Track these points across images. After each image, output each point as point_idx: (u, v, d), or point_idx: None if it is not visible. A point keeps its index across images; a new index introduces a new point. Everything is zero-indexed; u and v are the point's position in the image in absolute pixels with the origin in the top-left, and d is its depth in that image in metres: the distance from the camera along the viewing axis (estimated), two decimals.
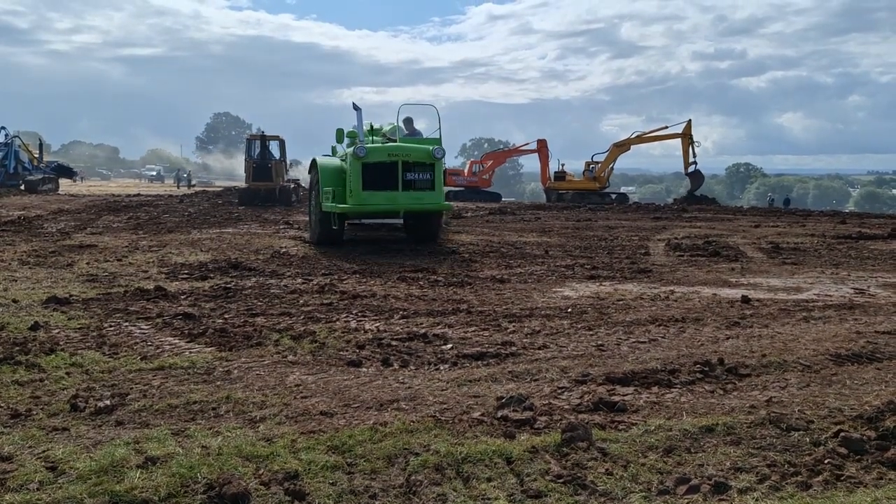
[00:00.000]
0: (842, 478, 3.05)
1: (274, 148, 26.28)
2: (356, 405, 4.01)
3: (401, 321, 6.18)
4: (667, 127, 37.37)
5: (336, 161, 12.53)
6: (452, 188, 39.85)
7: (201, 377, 4.57)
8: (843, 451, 3.29)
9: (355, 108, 12.00)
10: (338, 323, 6.08)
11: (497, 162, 47.76)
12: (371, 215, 12.24)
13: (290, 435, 3.51)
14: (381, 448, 3.33)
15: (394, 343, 5.39)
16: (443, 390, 4.28)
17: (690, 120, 35.96)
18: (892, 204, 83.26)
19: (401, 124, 13.25)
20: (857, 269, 9.84)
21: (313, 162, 13.00)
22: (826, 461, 3.18)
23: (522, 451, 3.28)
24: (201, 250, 11.22)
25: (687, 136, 35.86)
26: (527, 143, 45.31)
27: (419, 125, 13.86)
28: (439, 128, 13.01)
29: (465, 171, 43.46)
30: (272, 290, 7.60)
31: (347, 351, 5.20)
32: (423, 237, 12.77)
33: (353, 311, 6.54)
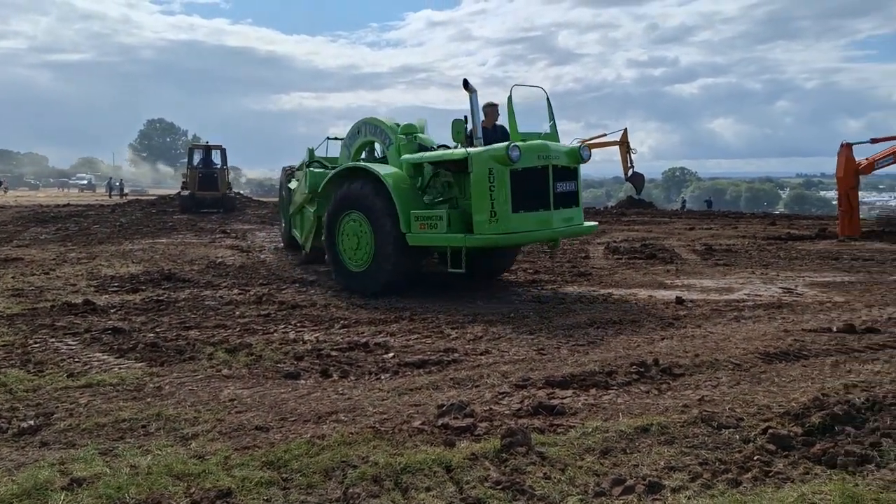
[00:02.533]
0: (770, 474, 3.13)
1: (215, 156, 26.28)
2: (293, 419, 3.94)
3: (341, 331, 6.12)
4: (605, 134, 38.20)
5: (398, 172, 8.46)
6: None
7: (131, 394, 4.42)
8: (771, 447, 3.39)
9: (468, 87, 8.01)
10: (275, 334, 5.98)
11: None
12: (515, 247, 9.15)
13: (223, 451, 3.42)
14: (318, 462, 3.28)
15: (333, 353, 5.33)
16: (383, 400, 4.25)
17: (626, 129, 36.93)
18: (820, 205, 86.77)
19: (501, 117, 9.10)
20: (786, 269, 10.20)
21: (351, 171, 8.73)
22: (755, 458, 3.27)
23: (462, 458, 3.27)
24: (133, 262, 10.89)
25: (624, 144, 36.75)
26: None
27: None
28: (553, 120, 8.75)
29: None
30: (207, 302, 7.42)
31: (285, 363, 5.11)
32: (493, 272, 9.44)
33: (292, 322, 6.43)
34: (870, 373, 4.69)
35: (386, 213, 8.01)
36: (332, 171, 9.02)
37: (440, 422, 3.74)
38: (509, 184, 7.48)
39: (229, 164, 28.19)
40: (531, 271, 9.88)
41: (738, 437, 3.53)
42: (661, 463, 3.23)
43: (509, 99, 8.26)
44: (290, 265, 10.61)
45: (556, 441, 3.47)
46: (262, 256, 11.85)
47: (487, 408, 4.01)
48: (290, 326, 6.27)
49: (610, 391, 4.37)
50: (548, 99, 8.58)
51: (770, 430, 3.53)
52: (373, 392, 4.41)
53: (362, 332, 6.02)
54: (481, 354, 5.27)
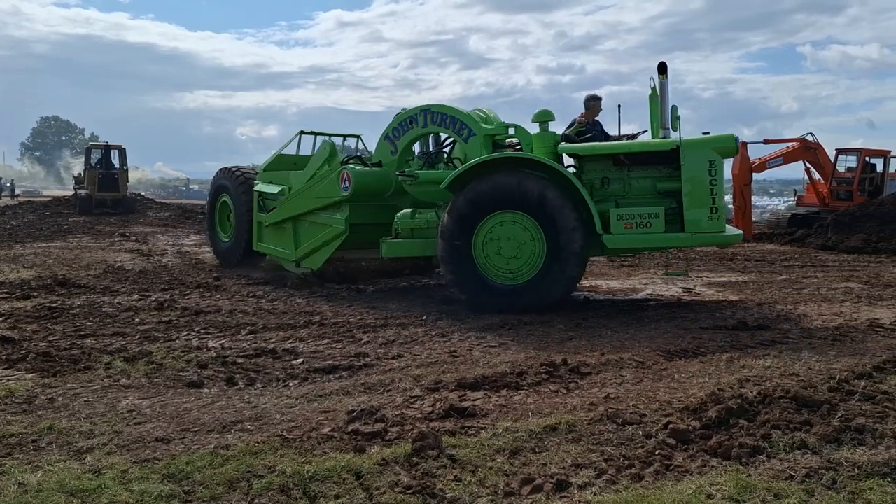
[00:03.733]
0: (671, 467, 3.25)
1: (114, 156, 25.27)
2: (196, 429, 3.78)
3: (248, 337, 5.94)
4: (514, 139, 39.01)
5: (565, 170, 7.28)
6: None
7: (20, 407, 4.14)
8: (671, 441, 3.51)
9: (664, 72, 7.25)
10: (178, 342, 5.75)
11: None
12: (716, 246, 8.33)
13: (120, 465, 3.25)
14: (222, 473, 3.16)
15: (239, 360, 5.17)
16: (291, 407, 4.15)
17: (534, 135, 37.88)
18: None
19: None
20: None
21: (490, 164, 7.24)
22: (657, 452, 3.38)
23: (372, 464, 3.24)
24: (24, 266, 10.24)
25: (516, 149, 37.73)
26: None
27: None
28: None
29: None
30: (104, 309, 7.05)
31: (188, 371, 4.92)
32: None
33: (196, 329, 6.20)
34: (761, 368, 4.95)
35: (567, 212, 6.85)
36: (468, 164, 7.23)
37: (350, 428, 3.68)
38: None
39: (131, 164, 27.21)
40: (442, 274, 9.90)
41: (640, 432, 3.64)
42: (569, 461, 3.29)
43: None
44: (194, 269, 10.23)
45: (467, 443, 3.48)
46: (165, 261, 11.39)
47: (399, 412, 3.98)
48: (193, 333, 6.04)
49: (520, 391, 4.43)
50: (660, 91, 7.69)
51: (670, 425, 3.66)
52: (280, 399, 4.30)
53: (270, 338, 5.87)
54: (393, 358, 5.24)
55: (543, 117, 7.77)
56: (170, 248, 13.45)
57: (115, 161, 25.27)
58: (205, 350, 5.48)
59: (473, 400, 4.19)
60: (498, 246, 7.03)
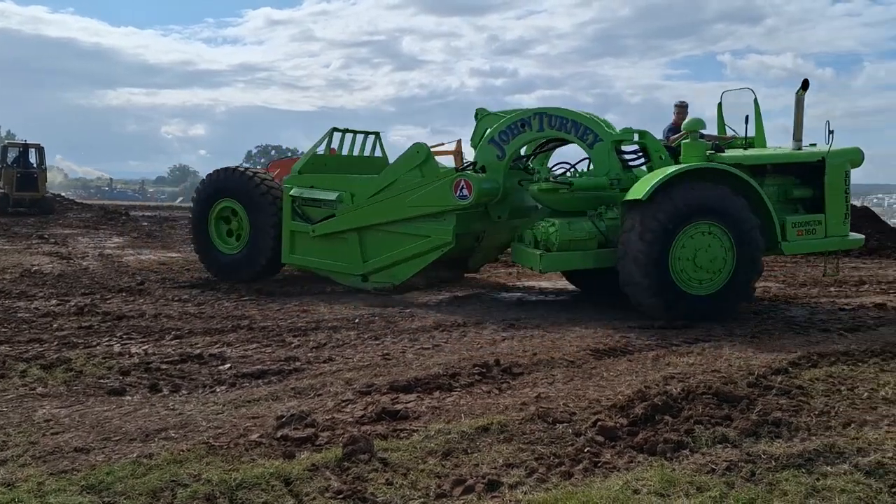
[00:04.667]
0: (599, 464, 3.31)
1: (32, 155, 24.23)
2: (117, 438, 3.65)
3: (173, 342, 5.76)
4: (443, 144, 39.44)
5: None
6: None
7: None
8: (600, 438, 3.59)
9: (805, 87, 7.70)
10: (98, 348, 5.52)
11: (285, 170, 46.42)
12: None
13: (36, 477, 3.10)
14: (144, 483, 3.05)
15: (164, 366, 5.00)
16: (218, 414, 4.04)
17: (460, 140, 38.31)
18: None
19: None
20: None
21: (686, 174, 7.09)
22: (586, 450, 3.44)
23: (302, 470, 3.18)
24: None
25: (458, 154, 38.13)
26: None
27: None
28: (761, 124, 8.27)
29: None
30: (20, 314, 6.71)
31: (109, 378, 4.73)
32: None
33: (118, 334, 5.97)
34: (685, 365, 5.11)
35: (755, 223, 6.95)
36: (671, 173, 7.01)
37: (279, 433, 3.61)
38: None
39: (51, 163, 26.13)
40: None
41: (570, 430, 3.70)
42: (500, 461, 3.31)
43: (719, 106, 8.32)
44: (116, 273, 9.85)
45: (398, 446, 3.46)
46: (85, 264, 10.91)
47: (330, 416, 3.93)
48: (115, 339, 5.81)
49: (453, 393, 4.44)
50: (756, 101, 8.11)
51: (599, 423, 3.73)
52: (207, 406, 4.18)
53: (196, 343, 5.70)
54: (324, 362, 5.17)
55: (695, 126, 7.71)
56: (91, 251, 12.91)
57: (33, 160, 24.27)
58: (127, 356, 5.28)
59: (406, 402, 4.17)
60: (693, 255, 6.96)
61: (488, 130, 8.36)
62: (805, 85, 7.75)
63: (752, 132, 8.06)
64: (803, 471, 3.20)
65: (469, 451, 3.44)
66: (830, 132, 7.51)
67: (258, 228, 8.98)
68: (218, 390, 4.56)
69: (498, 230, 8.69)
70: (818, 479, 3.11)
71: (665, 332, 6.31)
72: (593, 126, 7.88)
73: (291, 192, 8.81)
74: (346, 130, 9.68)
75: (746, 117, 7.99)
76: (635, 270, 6.89)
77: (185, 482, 3.06)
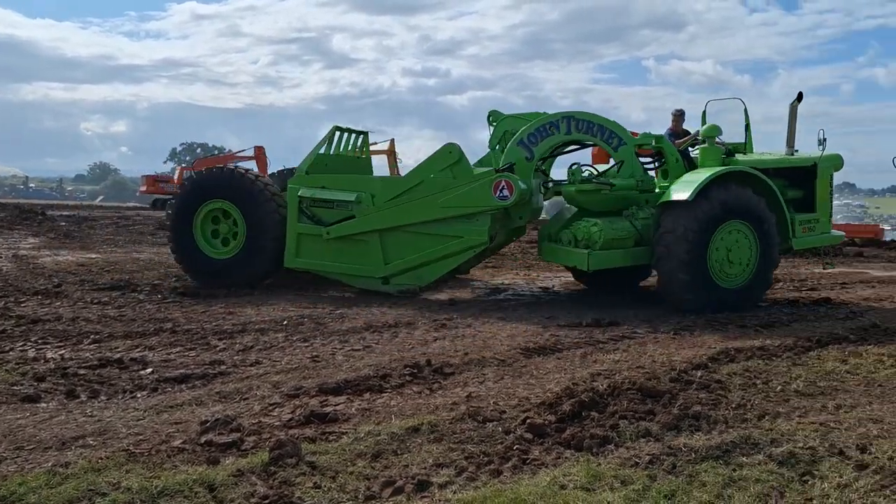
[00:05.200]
0: (528, 461, 3.36)
1: None
2: (31, 447, 3.48)
3: (91, 346, 5.53)
4: (376, 143, 39.59)
5: None
6: (161, 196, 37.24)
7: None
8: (529, 436, 3.63)
9: (800, 99, 8.80)
10: (12, 353, 5.25)
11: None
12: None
13: None
14: (60, 493, 2.92)
15: (82, 372, 4.80)
16: (139, 420, 3.90)
17: (393, 139, 38.65)
18: None
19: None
20: (545, 270, 11.07)
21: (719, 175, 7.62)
22: (515, 447, 3.48)
23: (227, 475, 3.10)
24: None
25: (391, 154, 38.38)
26: (243, 150, 44.06)
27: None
28: (749, 132, 8.97)
29: (175, 177, 40.86)
30: None
31: (23, 385, 4.50)
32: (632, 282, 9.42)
33: (33, 339, 5.69)
34: (611, 362, 5.23)
35: (774, 222, 7.75)
36: (711, 175, 7.51)
37: (203, 439, 3.51)
38: None
39: None
40: (307, 278, 9.70)
41: (500, 429, 3.73)
42: (430, 461, 3.31)
43: (703, 115, 9.01)
44: (31, 275, 9.39)
45: (327, 449, 3.42)
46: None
47: (256, 421, 3.85)
48: (29, 343, 5.54)
49: (384, 394, 4.42)
50: (745, 111, 8.85)
51: (528, 421, 3.78)
52: (127, 412, 4.03)
53: (116, 348, 5.49)
54: (251, 365, 5.05)
55: (712, 132, 8.35)
56: (4, 252, 12.26)
57: None
58: (42, 361, 5.04)
59: (335, 405, 4.13)
60: (727, 252, 7.59)
61: (517, 132, 8.48)
62: (800, 97, 8.69)
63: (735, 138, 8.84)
64: (721, 462, 3.32)
65: (399, 452, 3.42)
66: (823, 139, 8.40)
67: (256, 231, 8.53)
68: (139, 396, 4.40)
69: (501, 233, 8.81)
70: (735, 470, 3.23)
71: (592, 330, 6.45)
72: (617, 130, 8.35)
73: (301, 193, 8.44)
74: (348, 130, 9.49)
75: (746, 126, 8.78)
76: (679, 268, 7.39)
77: (104, 491, 2.94)
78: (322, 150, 9.01)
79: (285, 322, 6.52)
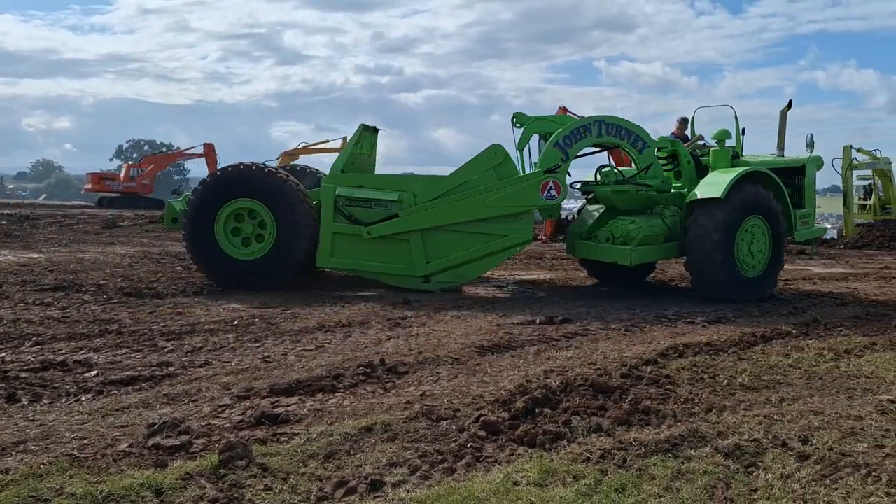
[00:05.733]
0: (481, 458, 3.37)
1: None
2: None
3: (33, 349, 5.34)
4: (328, 141, 39.57)
5: None
6: (106, 194, 36.27)
7: None
8: (482, 433, 3.65)
9: (790, 106, 9.94)
10: None
11: (159, 166, 44.55)
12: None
13: None
14: (0, 500, 2.81)
15: (23, 375, 4.63)
16: (83, 424, 3.79)
17: (346, 137, 38.51)
18: None
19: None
20: (500, 269, 11.12)
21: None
22: (469, 445, 3.49)
23: (175, 479, 3.04)
24: None
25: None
26: (192, 147, 43.32)
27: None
28: (742, 137, 9.52)
29: (122, 175, 39.84)
30: None
31: None
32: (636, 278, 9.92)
33: None
34: (564, 359, 5.29)
35: (784, 216, 8.66)
36: (736, 176, 8.23)
37: (150, 442, 3.42)
38: None
39: None
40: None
41: (454, 427, 3.74)
42: (384, 460, 3.30)
43: (692, 120, 9.93)
44: None
45: (279, 450, 3.37)
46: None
47: (205, 423, 3.78)
48: None
49: (336, 394, 4.38)
50: (735, 116, 9.40)
51: (482, 418, 3.80)
52: (71, 416, 3.91)
53: (60, 350, 5.32)
54: (200, 367, 4.95)
55: (723, 136, 9.11)
56: None
57: None
58: None
59: (287, 406, 4.07)
60: (749, 244, 8.36)
61: (552, 135, 8.78)
62: (790, 105, 9.71)
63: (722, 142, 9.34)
64: (670, 455, 3.38)
65: (352, 452, 3.40)
66: (811, 142, 9.64)
67: (289, 230, 8.34)
68: (83, 399, 4.27)
69: None
70: (683, 463, 3.30)
71: (546, 328, 6.51)
72: (642, 134, 8.88)
73: (338, 192, 8.40)
74: (374, 129, 9.53)
75: (742, 130, 9.39)
76: (714, 260, 8.08)
77: (46, 497, 2.84)
78: (352, 149, 9.06)
79: (235, 322, 6.41)
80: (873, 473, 3.21)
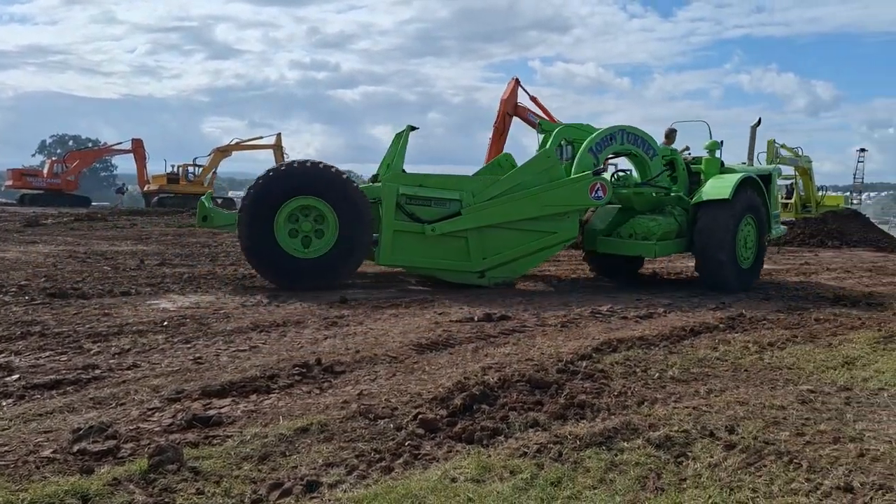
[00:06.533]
0: (419, 456, 3.36)
1: None
2: None
3: None
4: (262, 137, 39.28)
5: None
6: (29, 191, 34.77)
7: None
8: (420, 431, 3.64)
9: (759, 123, 12.24)
10: None
11: (84, 162, 43.03)
12: None
13: None
14: None
15: None
16: (4, 430, 3.60)
17: (280, 133, 38.43)
18: None
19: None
20: None
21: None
22: (406, 443, 3.48)
23: (102, 485, 2.92)
24: None
25: (278, 148, 38.11)
26: (120, 143, 42.00)
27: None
28: (718, 147, 10.69)
29: (45, 171, 38.23)
30: None
31: None
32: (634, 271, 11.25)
33: None
34: (502, 355, 5.34)
35: (766, 216, 10.04)
36: (739, 179, 9.50)
37: (76, 448, 3.29)
38: None
39: None
40: (189, 276, 9.33)
41: (392, 425, 3.72)
42: (320, 461, 3.26)
43: (671, 132, 10.83)
44: None
45: (211, 453, 3.29)
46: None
47: (134, 427, 3.65)
48: None
49: (271, 395, 4.30)
50: (709, 131, 10.77)
51: (420, 416, 3.79)
52: None
53: None
54: (128, 369, 4.78)
55: (714, 147, 10.29)
56: None
57: None
58: None
59: (220, 408, 3.97)
60: (745, 239, 9.62)
61: (585, 141, 9.62)
62: (759, 121, 12.34)
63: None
64: (604, 448, 3.45)
65: (287, 453, 3.34)
66: (777, 155, 12.34)
67: (352, 229, 8.46)
68: (4, 404, 4.06)
69: None
70: (616, 455, 3.38)
71: (484, 324, 6.55)
72: (652, 143, 9.96)
73: (402, 191, 8.71)
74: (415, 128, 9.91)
75: (721, 142, 10.49)
76: (721, 253, 9.22)
77: None
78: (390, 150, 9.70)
79: (165, 323, 6.22)
80: (794, 460, 3.36)
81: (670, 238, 9.65)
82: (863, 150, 37.06)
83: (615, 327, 6.56)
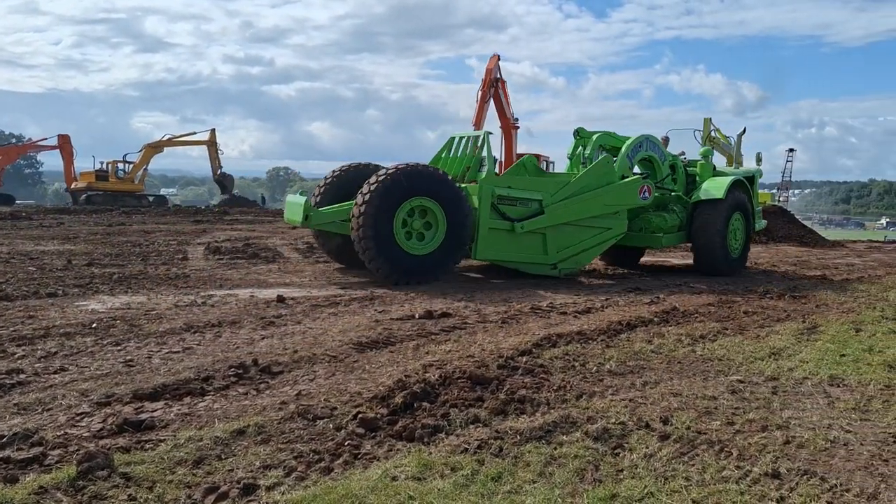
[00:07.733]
0: (359, 456, 3.33)
1: None
2: None
3: None
4: (195, 133, 38.81)
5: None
6: None
7: None
8: (360, 431, 3.61)
9: (744, 132, 14.72)
10: None
11: (8, 158, 41.18)
12: None
13: None
14: None
15: None
16: None
17: (214, 129, 37.97)
18: None
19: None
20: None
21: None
22: (346, 443, 3.44)
23: (27, 494, 2.80)
24: None
25: (212, 145, 37.54)
26: (45, 139, 40.35)
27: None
28: (706, 149, 12.50)
29: None
30: None
31: None
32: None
33: None
34: (443, 352, 5.34)
35: (752, 212, 11.84)
36: (732, 180, 11.21)
37: None
38: None
39: None
40: (119, 276, 9.02)
41: (331, 425, 3.68)
42: (257, 463, 3.19)
43: (665, 139, 13.02)
44: None
45: (143, 458, 3.18)
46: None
47: (62, 432, 3.50)
48: None
49: (206, 397, 4.19)
50: (695, 136, 14.12)
51: (360, 415, 3.75)
52: None
53: None
54: (55, 373, 4.59)
55: (708, 153, 11.98)
56: None
57: None
58: None
59: (152, 411, 3.85)
60: (734, 232, 11.38)
61: (622, 147, 10.99)
62: (744, 130, 14.51)
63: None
64: (543, 442, 3.49)
65: (223, 456, 3.26)
66: (760, 159, 14.45)
67: (457, 228, 9.23)
68: None
69: None
70: (556, 448, 3.42)
71: (425, 322, 6.54)
72: (663, 150, 11.67)
73: (499, 192, 9.49)
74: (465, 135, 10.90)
75: (711, 148, 12.53)
76: (717, 244, 10.92)
77: None
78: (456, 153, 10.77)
79: (94, 325, 5.99)
80: (725, 449, 3.47)
81: (673, 231, 11.24)
82: (791, 150, 38.76)
83: (554, 322, 6.65)
